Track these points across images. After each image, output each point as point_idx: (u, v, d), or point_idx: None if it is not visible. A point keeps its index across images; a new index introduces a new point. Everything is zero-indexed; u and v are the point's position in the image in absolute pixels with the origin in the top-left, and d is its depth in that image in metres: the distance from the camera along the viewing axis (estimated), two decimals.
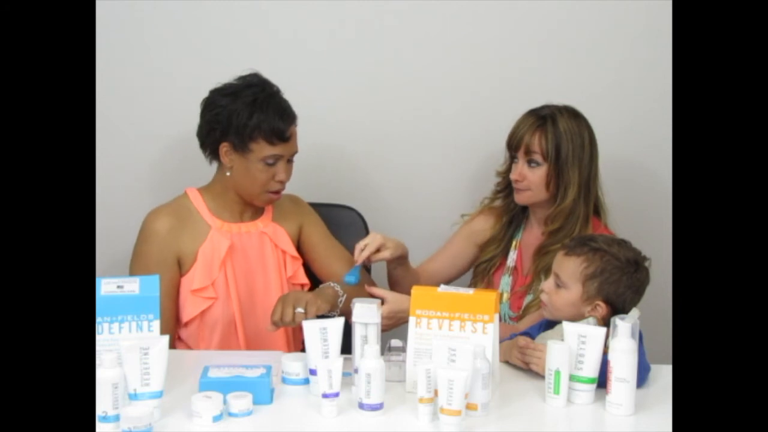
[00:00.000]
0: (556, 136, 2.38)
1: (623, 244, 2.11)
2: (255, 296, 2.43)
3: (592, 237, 2.15)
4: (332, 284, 2.33)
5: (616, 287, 2.03)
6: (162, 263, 2.31)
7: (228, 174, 2.36)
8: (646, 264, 2.09)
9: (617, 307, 2.04)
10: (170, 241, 2.35)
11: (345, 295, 2.30)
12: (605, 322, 2.02)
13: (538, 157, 2.39)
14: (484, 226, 2.58)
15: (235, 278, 2.39)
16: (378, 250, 2.33)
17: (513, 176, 2.44)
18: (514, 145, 2.44)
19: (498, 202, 2.58)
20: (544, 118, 2.41)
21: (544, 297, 2.11)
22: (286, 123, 2.33)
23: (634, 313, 1.96)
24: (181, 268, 2.37)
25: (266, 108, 2.31)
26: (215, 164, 2.43)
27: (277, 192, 2.39)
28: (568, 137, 2.38)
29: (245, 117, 2.30)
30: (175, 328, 2.38)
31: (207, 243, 2.37)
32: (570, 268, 2.06)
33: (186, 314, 2.37)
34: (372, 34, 2.84)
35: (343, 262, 2.47)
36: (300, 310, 2.16)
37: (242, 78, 2.37)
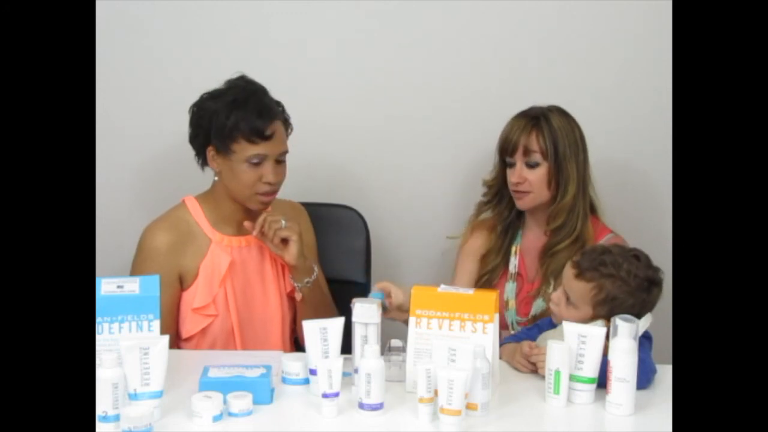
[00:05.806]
0: (552, 133, 2.37)
1: (635, 262, 2.03)
2: (253, 310, 2.39)
3: (602, 260, 2.03)
4: (315, 268, 2.36)
5: (627, 310, 1.98)
6: (164, 281, 2.16)
7: (216, 179, 2.33)
8: (661, 276, 2.04)
9: None
10: (171, 258, 2.30)
11: (314, 278, 2.36)
12: None
13: (537, 157, 2.38)
14: (482, 242, 2.53)
15: (234, 293, 2.35)
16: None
17: (513, 179, 2.40)
18: (510, 149, 2.40)
19: (487, 214, 2.54)
20: (536, 117, 2.40)
21: (553, 307, 2.09)
22: (265, 120, 2.26)
23: (647, 319, 1.95)
24: (182, 284, 2.33)
25: (245, 107, 2.25)
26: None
27: (267, 194, 2.31)
28: (563, 133, 2.38)
29: (224, 117, 2.25)
30: (176, 343, 2.32)
31: (208, 258, 2.33)
32: (579, 291, 2.03)
33: (186, 331, 2.33)
34: (373, 35, 2.83)
35: None
36: (283, 223, 2.28)
37: (229, 81, 2.34)
